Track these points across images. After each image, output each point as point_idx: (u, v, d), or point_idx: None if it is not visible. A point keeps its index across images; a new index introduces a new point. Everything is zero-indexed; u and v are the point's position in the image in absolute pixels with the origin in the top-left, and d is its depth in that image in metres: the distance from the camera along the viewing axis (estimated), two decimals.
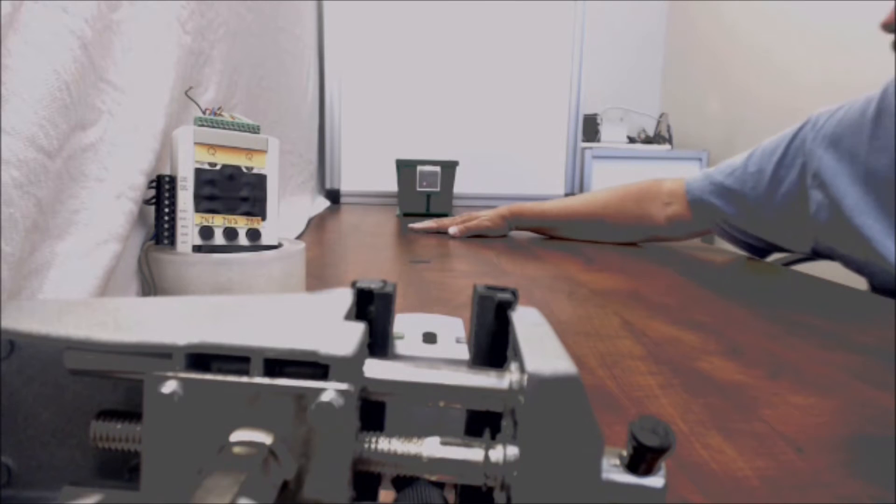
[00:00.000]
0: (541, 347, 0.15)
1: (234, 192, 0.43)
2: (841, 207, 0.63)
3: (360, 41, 1.53)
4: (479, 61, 1.57)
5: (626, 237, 0.89)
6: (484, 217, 0.95)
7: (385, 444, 0.15)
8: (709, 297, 0.58)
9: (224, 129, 0.42)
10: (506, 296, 0.18)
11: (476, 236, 0.94)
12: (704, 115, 2.36)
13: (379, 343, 0.18)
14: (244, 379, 0.14)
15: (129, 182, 0.38)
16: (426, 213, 1.27)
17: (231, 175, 0.42)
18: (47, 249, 0.31)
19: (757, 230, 0.76)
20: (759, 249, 0.81)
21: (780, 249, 0.79)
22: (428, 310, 0.30)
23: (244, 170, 0.43)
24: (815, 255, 0.73)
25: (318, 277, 0.61)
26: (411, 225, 1.02)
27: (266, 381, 0.14)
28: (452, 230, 0.94)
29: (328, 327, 0.16)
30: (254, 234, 0.44)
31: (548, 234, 0.95)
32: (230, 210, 0.43)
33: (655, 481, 0.14)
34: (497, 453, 0.14)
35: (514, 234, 0.97)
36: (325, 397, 0.14)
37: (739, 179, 0.74)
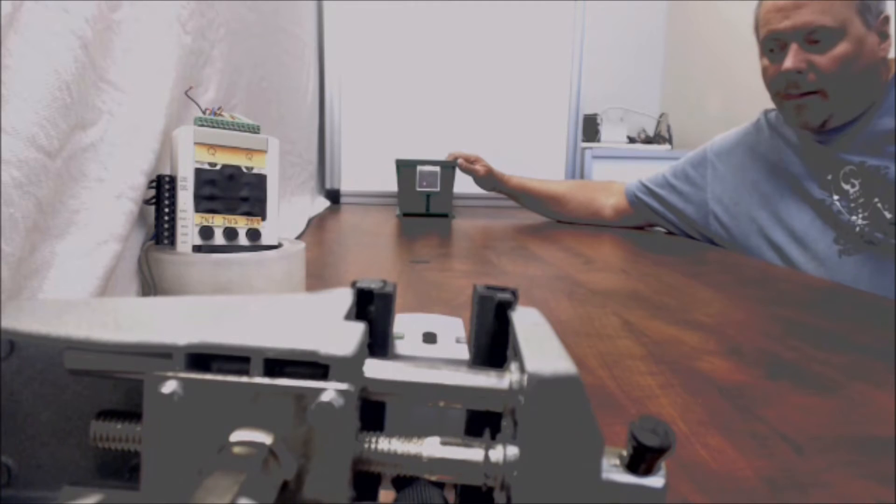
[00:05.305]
0: (541, 347, 0.15)
1: (234, 192, 0.43)
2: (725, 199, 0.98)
3: (360, 41, 1.53)
4: (479, 61, 1.57)
5: (578, 218, 1.18)
6: (479, 166, 1.21)
7: (385, 444, 0.15)
8: (709, 297, 0.58)
9: (224, 129, 0.42)
10: (506, 296, 0.18)
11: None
12: (704, 115, 2.35)
13: (379, 343, 0.18)
14: (244, 379, 0.14)
15: (129, 182, 0.38)
16: (426, 213, 1.27)
17: (231, 175, 0.42)
18: (47, 249, 0.31)
19: (676, 218, 1.06)
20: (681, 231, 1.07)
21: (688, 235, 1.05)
22: (428, 310, 0.30)
23: (244, 170, 0.43)
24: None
25: (318, 277, 0.61)
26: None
27: (266, 381, 0.14)
28: (460, 162, 1.23)
29: (328, 327, 0.16)
30: (254, 234, 0.44)
31: (516, 201, 1.26)
32: (230, 210, 0.43)
33: (655, 481, 0.14)
34: (497, 453, 0.14)
35: (513, 230, 1.02)
36: (325, 397, 0.14)
37: (663, 185, 1.07)
